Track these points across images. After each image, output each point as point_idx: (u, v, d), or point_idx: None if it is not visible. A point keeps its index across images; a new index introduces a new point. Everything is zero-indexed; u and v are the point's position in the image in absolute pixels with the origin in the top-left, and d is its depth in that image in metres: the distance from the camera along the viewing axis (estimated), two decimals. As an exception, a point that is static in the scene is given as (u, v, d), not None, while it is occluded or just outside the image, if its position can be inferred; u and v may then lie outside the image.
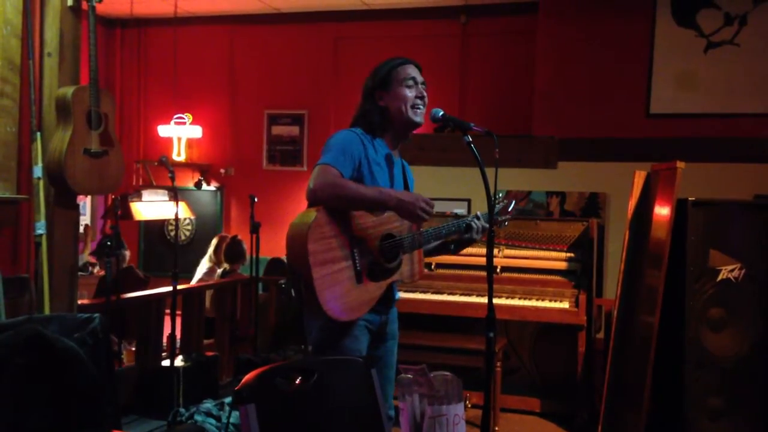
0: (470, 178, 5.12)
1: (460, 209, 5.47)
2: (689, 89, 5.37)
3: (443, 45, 6.64)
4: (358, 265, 2.29)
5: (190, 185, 6.99)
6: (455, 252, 2.63)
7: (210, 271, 5.81)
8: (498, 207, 2.60)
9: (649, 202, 3.66)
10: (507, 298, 4.35)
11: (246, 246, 5.66)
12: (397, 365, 2.47)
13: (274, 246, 5.23)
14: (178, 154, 7.35)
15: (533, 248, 4.54)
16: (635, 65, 5.46)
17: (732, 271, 3.31)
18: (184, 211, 6.60)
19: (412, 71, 2.47)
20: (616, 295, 3.76)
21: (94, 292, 5.27)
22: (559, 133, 5.48)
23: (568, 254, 4.46)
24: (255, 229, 4.85)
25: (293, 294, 2.28)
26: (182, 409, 3.86)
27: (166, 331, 4.71)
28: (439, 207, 5.09)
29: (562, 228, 4.55)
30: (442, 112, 2.32)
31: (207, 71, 7.43)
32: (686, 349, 3.28)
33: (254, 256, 4.96)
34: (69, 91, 3.34)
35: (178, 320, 4.70)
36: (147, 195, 6.42)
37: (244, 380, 1.63)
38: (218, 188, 7.43)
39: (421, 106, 2.47)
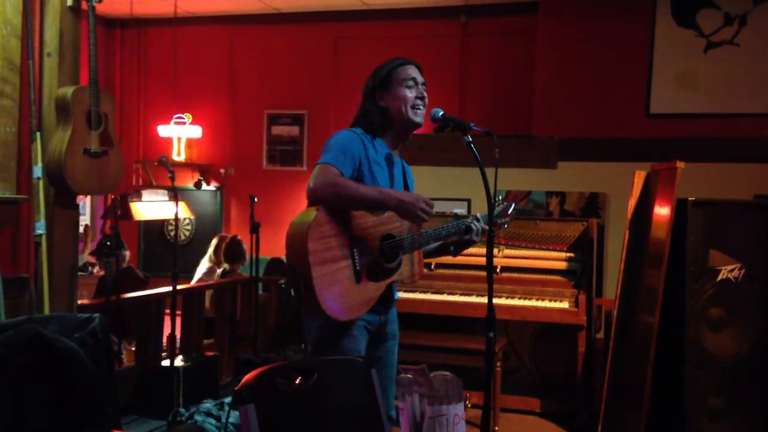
0: (470, 178, 5.13)
1: (460, 209, 5.47)
2: (689, 89, 5.37)
3: (443, 45, 6.64)
4: (357, 264, 2.29)
5: (190, 185, 6.99)
6: (455, 254, 2.64)
7: (210, 271, 5.81)
8: (498, 209, 2.60)
9: (649, 202, 3.66)
10: (507, 298, 4.35)
11: (246, 246, 5.66)
12: (397, 365, 2.47)
13: (274, 246, 5.23)
14: (178, 154, 7.35)
15: (533, 248, 4.54)
16: (635, 65, 5.46)
17: (732, 271, 3.31)
18: (183, 211, 6.60)
19: (413, 72, 2.48)
20: (616, 295, 3.76)
21: (94, 292, 5.27)
22: (559, 133, 5.48)
23: (568, 254, 4.46)
24: (255, 229, 4.85)
25: (293, 294, 2.28)
26: (182, 409, 3.86)
27: (166, 331, 4.71)
28: (439, 207, 5.09)
29: (562, 228, 4.55)
30: (442, 112, 2.32)
31: (207, 71, 7.43)
32: (686, 349, 3.27)
33: (254, 256, 4.96)
34: (69, 91, 3.34)
35: (178, 320, 4.70)
36: (147, 195, 6.43)
37: (244, 380, 1.63)
38: (218, 188, 7.43)
39: (422, 107, 2.47)
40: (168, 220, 7.25)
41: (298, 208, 5.52)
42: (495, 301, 2.09)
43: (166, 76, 7.21)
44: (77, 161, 3.33)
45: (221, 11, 7.17)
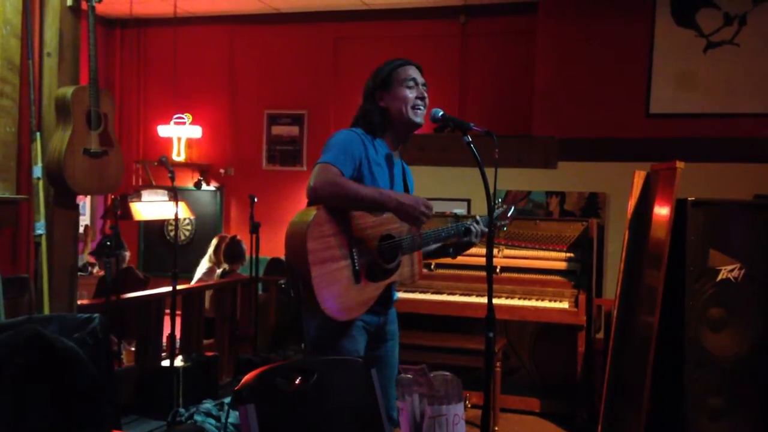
0: (470, 178, 5.13)
1: (460, 209, 5.47)
2: (689, 89, 5.37)
3: (443, 45, 6.64)
4: (356, 264, 2.29)
5: (190, 185, 6.99)
6: (454, 256, 2.65)
7: (209, 272, 5.81)
8: (497, 212, 2.61)
9: (649, 202, 3.66)
10: (507, 298, 4.35)
11: (245, 246, 5.66)
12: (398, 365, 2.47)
13: (274, 246, 5.23)
14: (178, 154, 7.35)
15: (533, 248, 4.54)
16: (635, 65, 5.46)
17: (732, 271, 3.31)
18: (183, 211, 6.60)
19: (413, 72, 2.48)
20: (616, 295, 3.76)
21: (94, 292, 5.27)
22: (559, 133, 5.48)
23: (568, 254, 4.46)
24: (255, 229, 4.85)
25: (293, 294, 2.28)
26: (182, 409, 3.86)
27: (166, 331, 4.71)
28: (439, 207, 5.10)
29: (562, 228, 4.55)
30: (441, 112, 2.32)
31: (207, 71, 7.43)
32: (686, 349, 3.28)
33: (254, 256, 4.96)
34: (69, 91, 3.34)
35: (178, 320, 4.70)
36: (147, 195, 6.42)
37: (243, 380, 1.62)
38: (218, 188, 7.43)
39: (422, 107, 2.47)
40: (168, 220, 7.25)
41: (297, 208, 5.51)
42: (495, 301, 2.09)
43: (166, 76, 7.21)
44: (77, 161, 3.33)
45: (221, 11, 7.17)
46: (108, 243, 4.63)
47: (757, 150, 5.09)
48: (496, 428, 4.14)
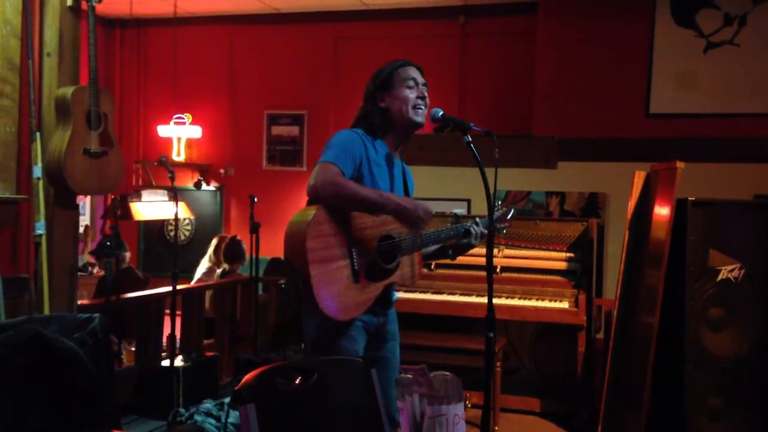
0: (470, 178, 5.12)
1: (460, 209, 5.47)
2: (689, 89, 5.37)
3: (442, 45, 6.64)
4: (355, 264, 2.29)
5: (190, 185, 6.99)
6: (454, 257, 2.65)
7: (209, 272, 5.81)
8: (497, 214, 2.61)
9: (649, 202, 3.66)
10: (507, 298, 4.35)
11: (245, 246, 5.66)
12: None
13: (274, 246, 5.22)
14: (178, 154, 7.35)
15: (533, 248, 4.54)
16: (635, 65, 5.46)
17: (732, 271, 3.31)
18: (183, 212, 6.59)
19: (413, 72, 2.48)
20: (616, 295, 3.76)
21: (94, 293, 5.27)
22: (559, 133, 5.48)
23: (568, 254, 4.46)
24: (255, 229, 4.85)
25: (293, 295, 2.28)
26: (182, 409, 3.86)
27: (166, 331, 4.71)
28: (439, 207, 5.10)
29: (562, 228, 4.55)
30: (441, 112, 2.32)
31: (207, 71, 7.43)
32: (686, 349, 3.28)
33: (254, 256, 4.96)
34: (68, 91, 3.34)
35: (178, 320, 4.70)
36: (147, 195, 6.42)
37: (243, 380, 1.62)
38: (218, 188, 7.43)
39: (422, 107, 2.48)
40: (168, 221, 7.25)
41: (297, 208, 5.51)
42: (495, 301, 2.09)
43: (166, 76, 7.21)
44: (77, 161, 3.33)
45: (221, 11, 7.17)
46: (108, 243, 4.62)
47: (757, 150, 5.09)
48: (496, 428, 4.14)
